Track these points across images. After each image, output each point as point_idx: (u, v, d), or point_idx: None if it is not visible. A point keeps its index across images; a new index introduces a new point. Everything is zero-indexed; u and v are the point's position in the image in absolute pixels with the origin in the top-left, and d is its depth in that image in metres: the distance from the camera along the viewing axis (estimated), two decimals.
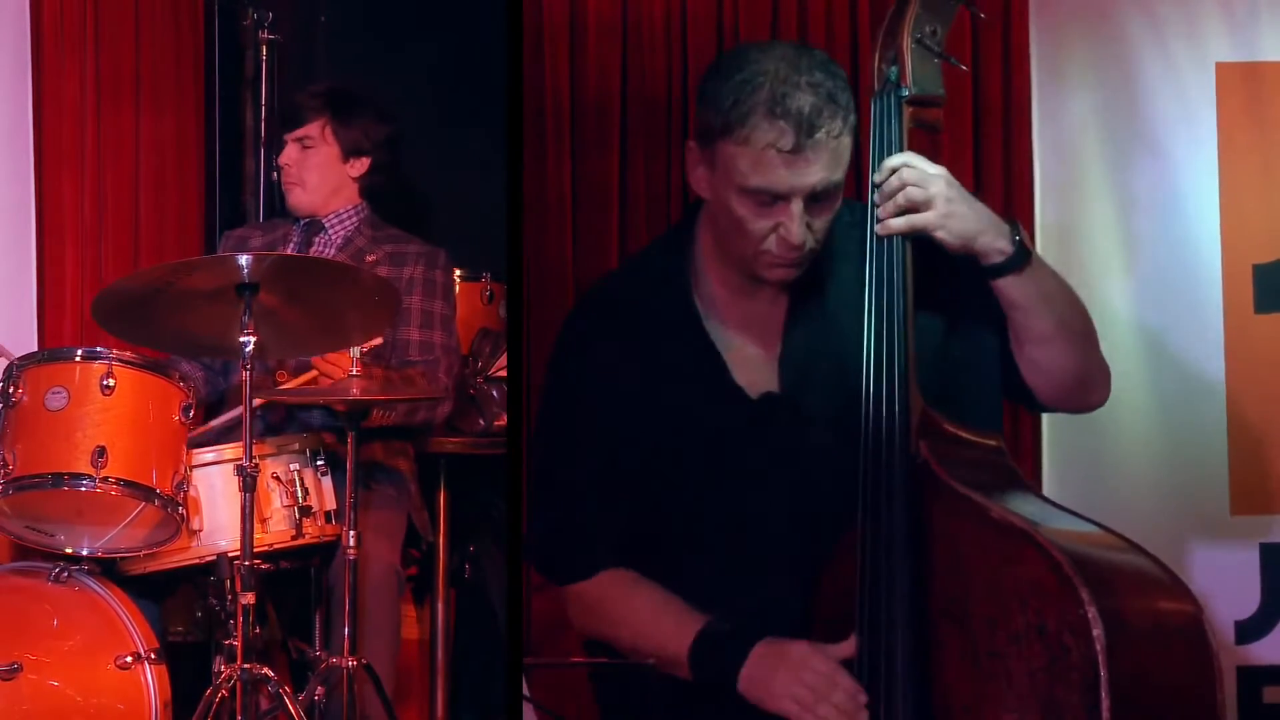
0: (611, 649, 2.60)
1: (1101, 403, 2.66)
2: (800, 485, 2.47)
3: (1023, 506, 2.31)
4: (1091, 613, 2.13)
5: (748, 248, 2.43)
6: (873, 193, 2.42)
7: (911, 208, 2.37)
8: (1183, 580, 2.29)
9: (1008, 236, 2.40)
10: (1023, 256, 2.41)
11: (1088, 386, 2.61)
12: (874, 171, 2.42)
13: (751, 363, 2.51)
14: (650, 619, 2.50)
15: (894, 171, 2.39)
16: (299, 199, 3.83)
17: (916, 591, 2.29)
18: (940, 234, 2.38)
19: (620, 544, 2.55)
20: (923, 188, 2.37)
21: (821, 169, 2.35)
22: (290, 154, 3.82)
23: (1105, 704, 2.11)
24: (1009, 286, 2.43)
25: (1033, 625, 2.18)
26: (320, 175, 3.82)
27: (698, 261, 2.54)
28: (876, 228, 2.39)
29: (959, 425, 2.40)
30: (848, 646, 2.34)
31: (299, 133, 3.82)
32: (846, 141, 2.37)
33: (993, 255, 2.40)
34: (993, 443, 2.43)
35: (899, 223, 2.38)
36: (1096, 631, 2.12)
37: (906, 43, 2.42)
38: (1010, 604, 2.21)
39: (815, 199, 2.37)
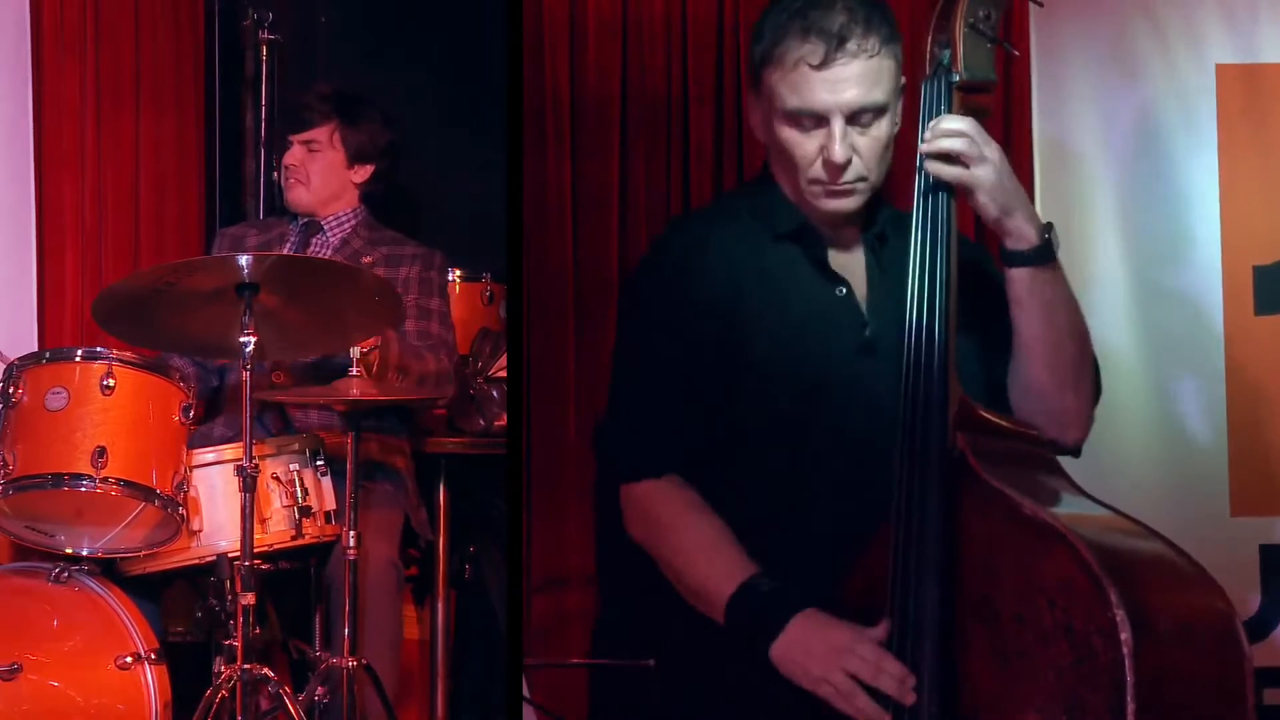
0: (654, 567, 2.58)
1: (1075, 445, 2.58)
2: (867, 436, 2.46)
3: (1058, 500, 2.30)
4: (1120, 615, 2.12)
5: (800, 178, 2.47)
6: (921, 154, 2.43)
7: (963, 161, 2.38)
8: (1214, 579, 2.28)
9: (1038, 229, 2.43)
10: (1045, 254, 2.43)
11: (1062, 418, 2.54)
12: (920, 158, 2.42)
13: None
14: (701, 550, 2.47)
15: (953, 132, 2.40)
16: (300, 197, 3.83)
17: (946, 586, 2.29)
18: (982, 196, 2.40)
19: (689, 453, 2.53)
20: (978, 145, 2.39)
21: (856, 85, 2.39)
22: (296, 155, 3.83)
23: (1130, 707, 2.10)
24: (1020, 279, 2.44)
25: (1061, 625, 2.17)
26: (324, 178, 3.83)
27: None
28: (926, 165, 2.40)
29: (998, 415, 2.39)
30: (880, 630, 2.33)
31: (306, 135, 3.82)
32: (887, 64, 2.41)
33: (1020, 240, 2.43)
34: (1033, 432, 2.42)
35: (950, 171, 2.39)
36: (1124, 635, 2.11)
37: (959, 27, 2.43)
38: (1039, 602, 2.20)
39: (856, 118, 2.41)
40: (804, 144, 2.43)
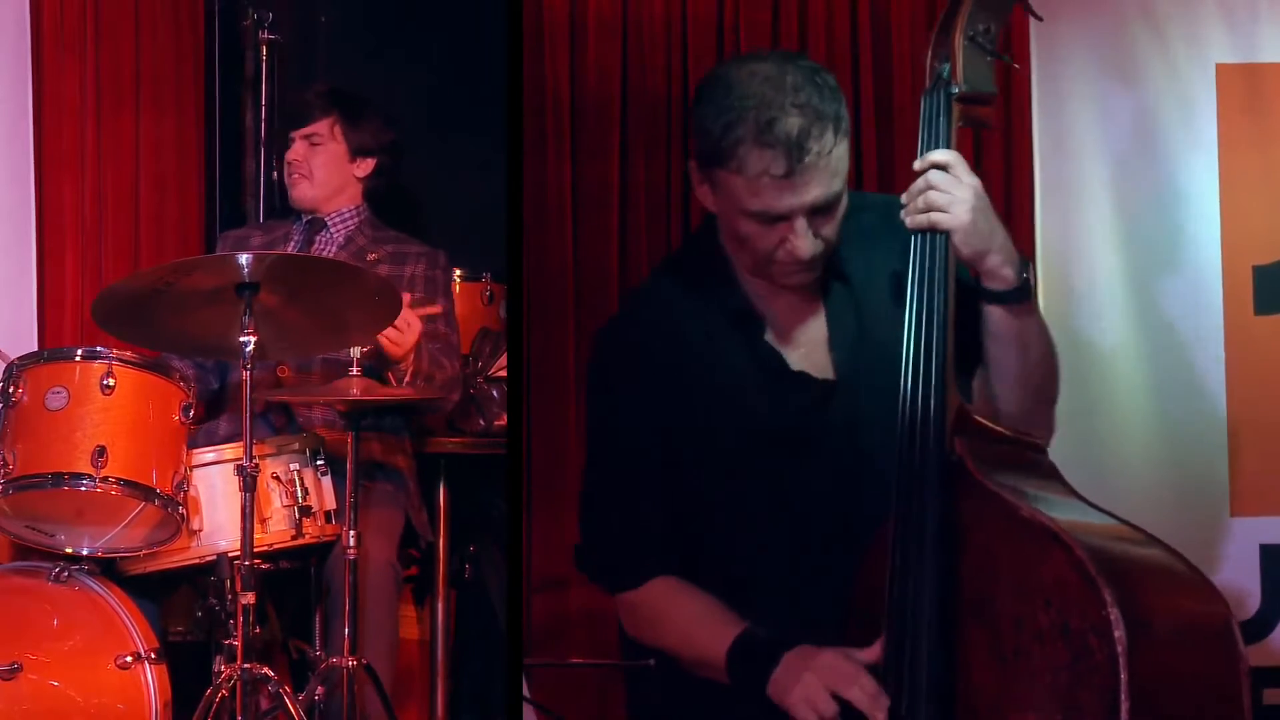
0: (663, 655, 2.61)
1: (1043, 446, 2.60)
2: (854, 473, 2.49)
3: (1057, 504, 2.30)
4: (1114, 614, 2.12)
5: (759, 261, 2.46)
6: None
7: (935, 209, 2.39)
8: (1210, 580, 2.28)
9: (1016, 268, 2.42)
10: (1023, 294, 2.43)
11: (1030, 426, 2.54)
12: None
13: (798, 353, 2.54)
14: (692, 625, 2.52)
15: (932, 166, 2.40)
16: (304, 192, 3.83)
17: (945, 588, 2.29)
18: (955, 239, 2.39)
19: (669, 547, 2.58)
20: (948, 194, 2.38)
21: (818, 186, 2.37)
22: (298, 150, 3.83)
23: (1124, 706, 2.10)
24: (997, 316, 2.45)
25: (1056, 624, 2.17)
26: (327, 172, 3.83)
27: (730, 259, 2.56)
28: (903, 216, 2.41)
29: (997, 422, 2.40)
30: (874, 650, 2.35)
31: (308, 130, 3.83)
32: (841, 150, 2.38)
33: (996, 280, 2.42)
34: (1030, 439, 2.43)
35: (920, 219, 2.40)
36: (1118, 633, 2.12)
37: (959, 40, 2.42)
38: (1036, 602, 2.20)
39: (817, 211, 2.39)
40: (765, 236, 2.41)
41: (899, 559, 2.32)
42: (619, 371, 2.61)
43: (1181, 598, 2.25)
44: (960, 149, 3.92)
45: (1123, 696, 2.10)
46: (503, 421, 3.90)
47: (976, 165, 3.84)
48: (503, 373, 3.93)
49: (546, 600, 3.77)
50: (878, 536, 2.37)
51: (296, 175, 3.83)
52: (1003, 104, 3.87)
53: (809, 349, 2.54)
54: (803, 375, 2.52)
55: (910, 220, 2.40)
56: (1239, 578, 3.65)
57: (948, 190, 2.38)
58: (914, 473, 2.33)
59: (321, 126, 3.82)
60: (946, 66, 2.43)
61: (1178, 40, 3.74)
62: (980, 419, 2.37)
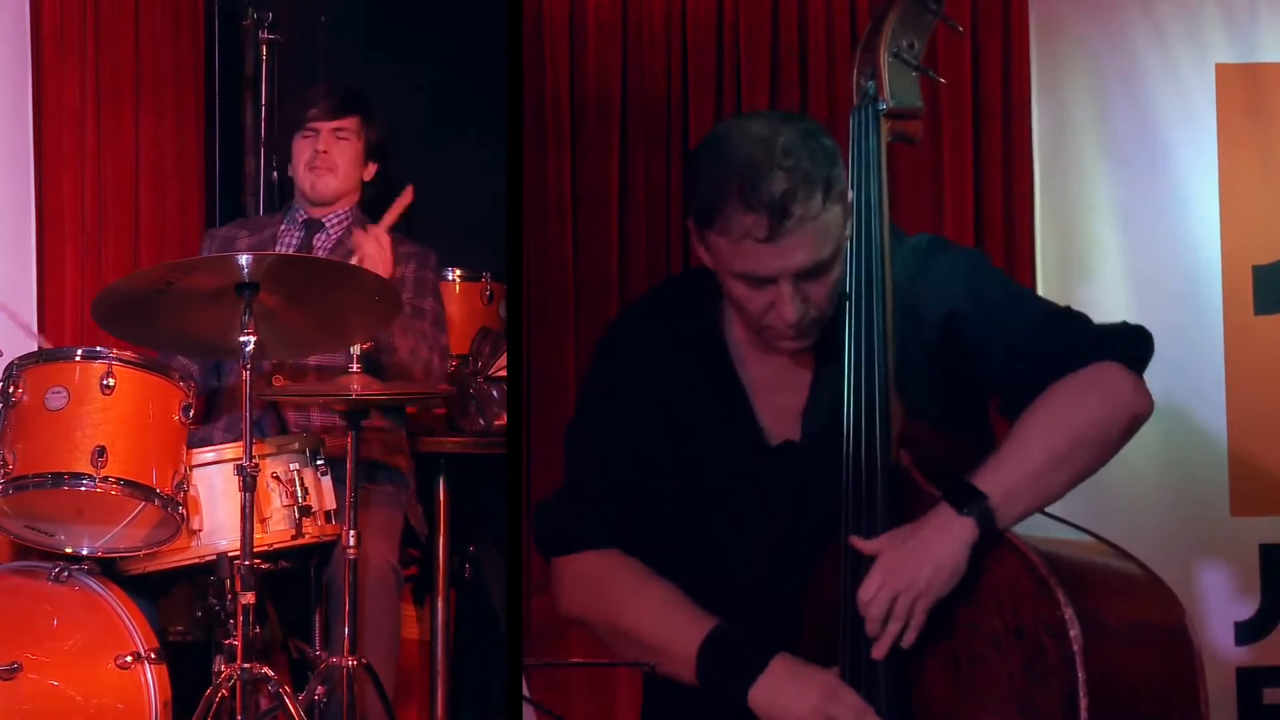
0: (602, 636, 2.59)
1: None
2: (804, 531, 2.47)
3: None
4: (1068, 613, 2.14)
5: (751, 322, 2.45)
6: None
7: (912, 614, 2.30)
8: (1165, 582, 2.30)
9: (968, 538, 2.27)
10: (989, 528, 2.30)
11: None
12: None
13: (775, 410, 2.52)
14: (658, 607, 2.47)
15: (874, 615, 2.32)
16: (329, 184, 3.81)
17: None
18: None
19: (623, 530, 2.56)
20: (906, 597, 2.29)
21: (804, 250, 2.33)
22: (326, 141, 3.82)
23: (1083, 704, 2.12)
24: None
25: (1011, 627, 2.19)
26: (348, 169, 3.84)
27: (728, 308, 2.55)
28: (874, 650, 2.31)
29: (941, 433, 2.40)
30: (835, 671, 2.36)
31: (340, 123, 3.81)
32: (832, 214, 2.34)
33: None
34: (973, 449, 2.42)
35: (910, 637, 2.31)
36: (1074, 632, 2.13)
37: (884, 57, 2.43)
38: (988, 607, 2.22)
39: (804, 276, 2.36)
40: (754, 298, 2.38)
41: (851, 573, 2.33)
42: (615, 363, 2.61)
43: (1134, 597, 2.27)
44: (960, 148, 3.96)
45: (1081, 694, 2.12)
46: (503, 421, 3.90)
47: (976, 165, 3.90)
48: (503, 373, 3.93)
49: (546, 600, 3.76)
50: (828, 551, 2.38)
51: (321, 166, 3.81)
52: (1002, 103, 3.88)
53: (786, 409, 2.51)
54: (761, 433, 2.51)
55: (883, 648, 2.30)
56: (1239, 578, 3.65)
57: (905, 595, 2.28)
58: (862, 485, 2.34)
59: (350, 123, 3.83)
60: (872, 84, 2.43)
61: (1178, 40, 3.74)
62: (925, 429, 2.37)
